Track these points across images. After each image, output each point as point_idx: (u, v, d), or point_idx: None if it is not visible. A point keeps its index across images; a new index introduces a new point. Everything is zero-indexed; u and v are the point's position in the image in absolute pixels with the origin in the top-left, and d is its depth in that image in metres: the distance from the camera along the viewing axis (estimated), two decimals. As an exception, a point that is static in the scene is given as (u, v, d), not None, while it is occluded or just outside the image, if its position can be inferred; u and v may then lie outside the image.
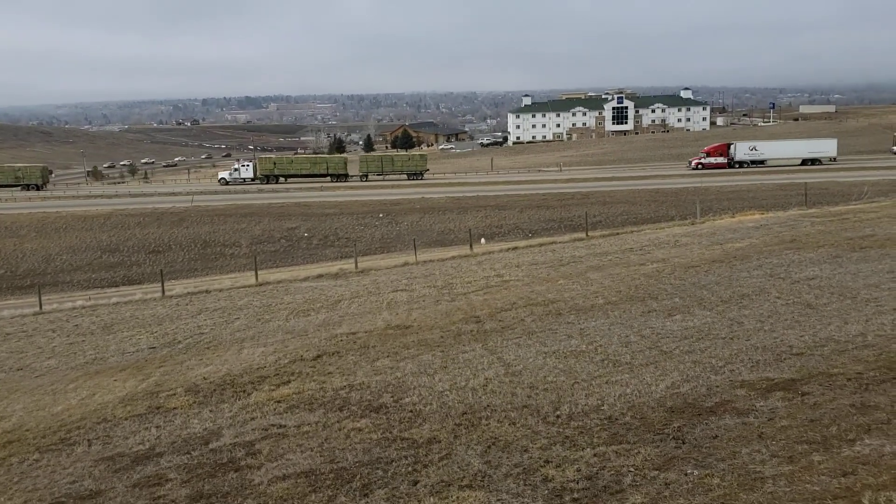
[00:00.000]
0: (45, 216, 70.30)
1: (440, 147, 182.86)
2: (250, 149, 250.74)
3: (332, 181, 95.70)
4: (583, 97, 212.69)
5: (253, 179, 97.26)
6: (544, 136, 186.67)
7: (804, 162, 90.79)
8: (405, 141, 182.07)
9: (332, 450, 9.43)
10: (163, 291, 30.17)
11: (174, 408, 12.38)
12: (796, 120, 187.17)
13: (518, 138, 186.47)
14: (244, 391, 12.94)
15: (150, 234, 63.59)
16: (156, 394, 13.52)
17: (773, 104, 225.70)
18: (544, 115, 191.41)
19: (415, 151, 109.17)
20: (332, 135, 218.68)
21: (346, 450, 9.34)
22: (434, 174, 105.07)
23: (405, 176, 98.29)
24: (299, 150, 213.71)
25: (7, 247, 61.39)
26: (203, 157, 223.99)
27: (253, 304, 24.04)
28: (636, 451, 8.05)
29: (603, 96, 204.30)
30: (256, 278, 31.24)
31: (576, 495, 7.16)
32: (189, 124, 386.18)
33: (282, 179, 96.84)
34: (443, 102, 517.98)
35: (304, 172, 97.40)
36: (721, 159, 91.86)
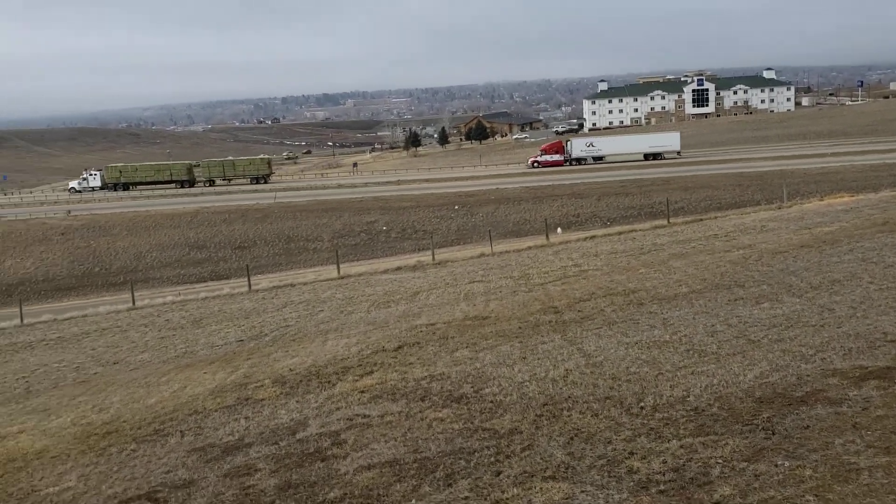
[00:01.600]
0: (136, 215, 73.24)
1: (514, 137, 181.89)
2: (329, 145, 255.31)
3: (177, 188, 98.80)
4: (661, 80, 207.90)
5: (101, 188, 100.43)
6: (621, 122, 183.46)
7: (646, 157, 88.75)
8: (479, 132, 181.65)
9: (415, 440, 9.54)
10: (249, 286, 31.08)
11: (262, 399, 12.74)
12: (886, 98, 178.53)
13: (594, 125, 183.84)
14: (329, 382, 13.22)
15: (236, 231, 65.52)
16: (244, 385, 13.95)
17: (862, 82, 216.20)
18: (621, 101, 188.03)
19: (257, 156, 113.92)
20: (407, 129, 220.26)
21: (429, 440, 9.43)
22: (509, 164, 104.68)
23: (248, 181, 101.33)
24: (376, 146, 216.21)
25: (101, 245, 64.26)
26: (284, 154, 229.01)
27: (335, 297, 24.52)
28: (724, 442, 7.87)
29: (682, 79, 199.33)
30: (338, 271, 31.84)
31: (662, 487, 7.06)
32: (270, 122, 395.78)
33: (131, 187, 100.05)
34: (517, 92, 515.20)
35: (148, 180, 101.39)
36: (557, 157, 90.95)
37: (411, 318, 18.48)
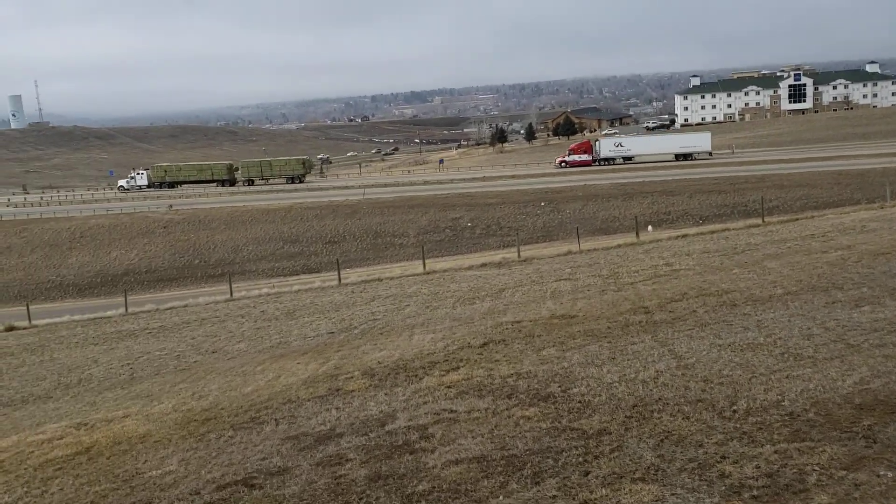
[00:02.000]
0: (234, 210, 75.82)
1: (603, 132, 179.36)
2: (416, 142, 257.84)
3: (217, 186, 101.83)
4: (756, 75, 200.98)
5: (148, 186, 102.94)
6: (714, 118, 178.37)
7: (677, 157, 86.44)
8: (567, 128, 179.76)
9: (502, 437, 9.61)
10: (339, 279, 31.81)
11: (352, 390, 13.05)
12: None
13: (686, 120, 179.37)
14: (416, 376, 13.42)
15: (327, 226, 67.05)
16: (335, 376, 14.32)
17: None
18: (714, 96, 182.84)
19: (293, 157, 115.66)
20: (494, 125, 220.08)
21: (516, 437, 9.49)
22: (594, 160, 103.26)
23: (284, 180, 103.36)
24: (462, 142, 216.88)
25: (201, 239, 66.86)
26: (373, 151, 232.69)
27: (421, 292, 24.82)
28: (821, 449, 7.64)
29: (778, 74, 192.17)
30: (424, 267, 32.22)
31: (755, 492, 6.92)
32: (360, 120, 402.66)
33: (176, 186, 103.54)
34: (606, 87, 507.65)
35: (191, 179, 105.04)
36: (586, 156, 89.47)
37: (497, 315, 18.55)
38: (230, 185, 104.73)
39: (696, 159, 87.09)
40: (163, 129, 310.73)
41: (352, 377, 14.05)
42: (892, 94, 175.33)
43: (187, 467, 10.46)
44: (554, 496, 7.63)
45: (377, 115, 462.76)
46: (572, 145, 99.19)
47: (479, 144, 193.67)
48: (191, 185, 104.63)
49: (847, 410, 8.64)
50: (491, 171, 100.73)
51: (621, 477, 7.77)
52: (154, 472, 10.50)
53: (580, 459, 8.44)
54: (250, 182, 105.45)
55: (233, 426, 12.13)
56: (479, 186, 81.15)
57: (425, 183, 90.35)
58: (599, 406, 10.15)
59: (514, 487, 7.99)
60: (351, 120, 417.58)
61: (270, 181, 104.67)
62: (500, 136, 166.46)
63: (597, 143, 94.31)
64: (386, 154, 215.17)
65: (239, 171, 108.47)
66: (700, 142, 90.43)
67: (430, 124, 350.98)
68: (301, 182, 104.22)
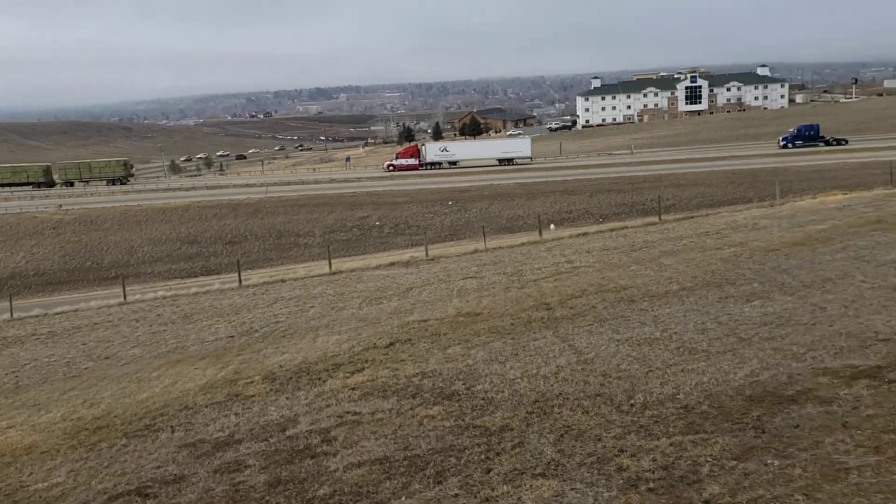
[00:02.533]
0: (127, 210, 72.92)
1: (508, 133, 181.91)
2: (321, 139, 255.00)
3: (33, 189, 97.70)
4: (654, 77, 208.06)
5: None
6: (614, 119, 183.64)
7: (500, 162, 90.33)
8: (473, 127, 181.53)
9: (405, 437, 9.53)
10: (240, 281, 30.98)
11: (252, 395, 12.71)
12: (881, 95, 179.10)
13: (587, 121, 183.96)
14: (319, 378, 13.19)
15: (227, 226, 65.32)
16: (234, 382, 13.91)
17: (856, 79, 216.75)
18: (614, 98, 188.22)
19: (114, 159, 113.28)
20: (400, 123, 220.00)
21: (420, 437, 9.43)
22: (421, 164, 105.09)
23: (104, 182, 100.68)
24: (369, 140, 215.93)
25: (93, 240, 64.01)
26: (276, 148, 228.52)
27: (326, 293, 24.46)
28: (714, 440, 7.88)
29: (675, 76, 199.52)
30: (330, 267, 31.78)
31: (651, 485, 7.06)
32: (262, 116, 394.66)
33: None
34: (510, 88, 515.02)
35: (5, 182, 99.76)
36: (413, 161, 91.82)
37: (403, 315, 18.46)
38: (48, 188, 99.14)
39: (517, 164, 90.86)
40: (52, 126, 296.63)
41: (252, 382, 13.68)
42: (781, 96, 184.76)
43: (76, 478, 9.94)
44: (456, 495, 7.59)
45: (280, 111, 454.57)
46: (400, 150, 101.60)
47: (386, 143, 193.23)
48: (4, 188, 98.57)
49: (738, 402, 8.94)
50: (534, 165, 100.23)
51: (522, 473, 7.81)
52: (40, 485, 9.95)
53: (482, 457, 8.44)
54: (69, 184, 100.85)
55: (126, 434, 11.61)
56: (387, 185, 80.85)
57: (332, 181, 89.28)
58: (502, 402, 10.20)
59: (417, 488, 7.92)
60: (252, 116, 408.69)
61: (91, 183, 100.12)
62: (407, 135, 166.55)
63: (423, 147, 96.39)
64: (300, 149, 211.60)
65: (57, 174, 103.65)
66: (521, 147, 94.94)
67: (336, 122, 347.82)
68: (123, 184, 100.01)
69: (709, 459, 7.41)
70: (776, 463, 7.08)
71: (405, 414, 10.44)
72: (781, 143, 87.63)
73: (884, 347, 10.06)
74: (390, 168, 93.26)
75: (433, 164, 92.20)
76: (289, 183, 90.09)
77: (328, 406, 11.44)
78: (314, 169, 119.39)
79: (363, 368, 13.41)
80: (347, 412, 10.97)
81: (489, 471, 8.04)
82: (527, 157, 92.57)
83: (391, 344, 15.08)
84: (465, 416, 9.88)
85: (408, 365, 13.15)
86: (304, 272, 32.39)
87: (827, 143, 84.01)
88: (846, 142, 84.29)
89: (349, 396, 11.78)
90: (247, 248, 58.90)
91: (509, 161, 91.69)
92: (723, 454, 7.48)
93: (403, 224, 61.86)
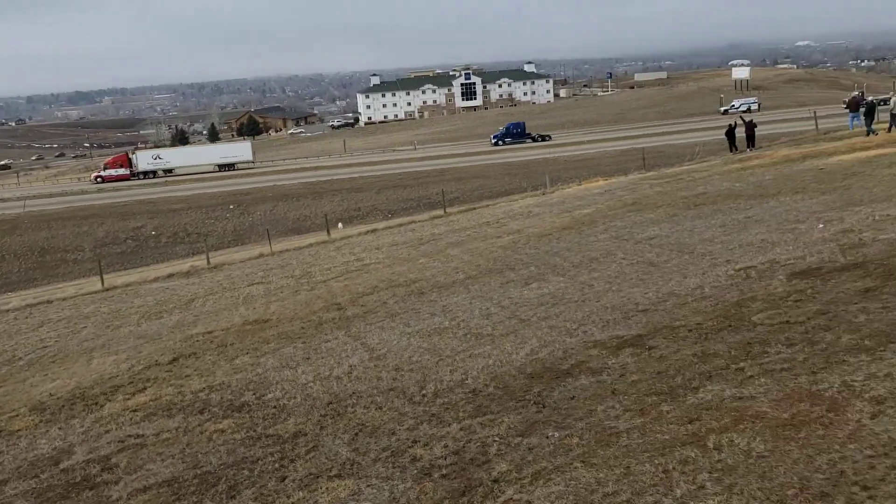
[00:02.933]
0: None
1: (289, 132, 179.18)
2: (86, 146, 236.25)
3: None
4: (431, 74, 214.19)
5: None
6: (396, 116, 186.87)
7: (221, 168, 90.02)
8: (252, 127, 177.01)
9: (194, 455, 9.09)
10: (-3, 306, 27.94)
11: (18, 430, 11.54)
12: (632, 88, 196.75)
13: (370, 118, 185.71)
14: (96, 403, 12.25)
15: (-21, 246, 58.68)
16: (-5, 417, 12.53)
17: (611, 74, 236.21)
18: (394, 94, 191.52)
19: None
20: (173, 126, 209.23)
21: (210, 453, 9.03)
22: (284, 159, 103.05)
23: None
24: (140, 145, 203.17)
25: None
26: (33, 158, 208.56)
27: (101, 311, 22.72)
28: (500, 420, 8.23)
29: (451, 73, 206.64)
30: (102, 283, 29.52)
31: (444, 471, 7.24)
32: (14, 124, 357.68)
33: None
34: (289, 86, 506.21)
35: None
36: (123, 171, 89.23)
37: (186, 328, 17.58)
38: None
39: (238, 169, 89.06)
40: None
41: (17, 415, 12.41)
42: (547, 91, 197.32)
43: None
44: (251, 509, 7.35)
45: (36, 117, 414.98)
46: (108, 159, 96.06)
47: (158, 147, 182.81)
48: None
49: (521, 380, 9.41)
50: (174, 175, 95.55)
51: (318, 477, 7.71)
52: None
53: (276, 465, 8.24)
54: None
55: None
56: (162, 192, 76.60)
57: (99, 190, 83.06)
58: (295, 408, 10.01)
59: (209, 507, 7.57)
60: (2, 123, 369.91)
61: None
62: (181, 138, 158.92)
63: (134, 156, 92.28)
64: (38, 160, 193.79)
65: None
66: (241, 151, 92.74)
67: (101, 127, 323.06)
68: None
69: (496, 439, 7.72)
70: (556, 434, 7.52)
71: (193, 431, 9.95)
72: (493, 142, 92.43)
73: (643, 317, 11.03)
74: (98, 180, 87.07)
75: (147, 174, 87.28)
76: (51, 195, 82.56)
77: (107, 432, 10.65)
78: (79, 178, 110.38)
79: (145, 388, 12.61)
80: (129, 436, 10.27)
81: (284, 479, 7.87)
82: (249, 162, 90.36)
83: (175, 359, 14.31)
84: (256, 427, 9.59)
85: (193, 380, 12.55)
86: (74, 290, 29.84)
87: (534, 140, 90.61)
88: (550, 138, 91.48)
89: (131, 419, 11.04)
90: (5, 270, 53.28)
91: (230, 167, 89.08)
92: (508, 432, 7.84)
93: (182, 232, 58.94)
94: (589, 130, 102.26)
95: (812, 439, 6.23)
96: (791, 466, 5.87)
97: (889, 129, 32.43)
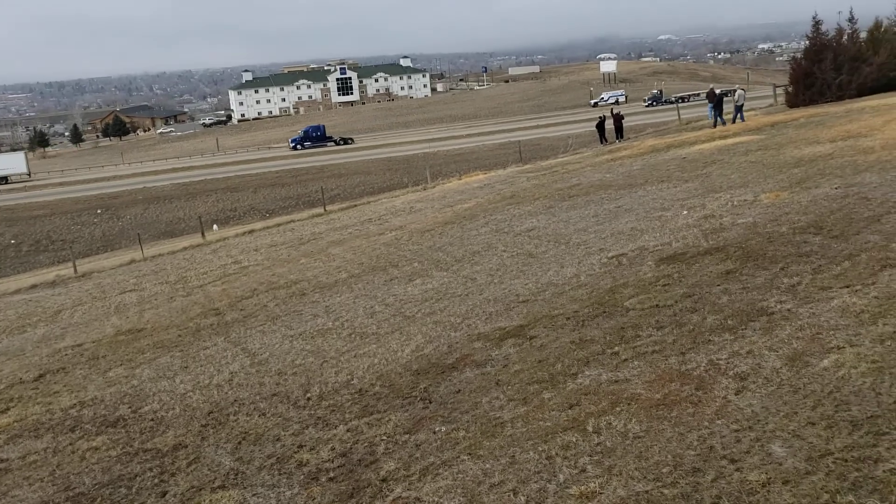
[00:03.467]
0: None
1: (159, 131, 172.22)
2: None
3: None
4: (306, 70, 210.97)
5: None
6: (270, 112, 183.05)
7: None
8: (118, 127, 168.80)
9: (66, 476, 8.60)
10: None
11: None
12: (507, 81, 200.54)
13: (243, 115, 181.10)
14: (-48, 429, 11.36)
15: None
16: None
17: (486, 68, 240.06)
18: (268, 91, 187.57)
19: None
20: (31, 128, 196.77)
21: (83, 473, 8.57)
22: (154, 160, 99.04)
23: None
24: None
25: None
26: None
27: (-45, 329, 21.13)
28: (387, 418, 8.22)
29: (326, 68, 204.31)
30: (-44, 298, 27.45)
31: (332, 474, 7.16)
32: None
33: None
34: (156, 84, 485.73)
35: None
36: None
37: (53, 342, 16.60)
38: None
39: (12, 182, 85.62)
40: None
41: None
42: (424, 85, 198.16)
43: None
44: (129, 529, 7.02)
45: None
46: None
47: (14, 150, 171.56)
48: None
49: (407, 378, 9.43)
50: (34, 180, 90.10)
51: (200, 489, 7.46)
52: None
53: (156, 481, 7.92)
54: None
55: None
56: (22, 197, 72.05)
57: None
58: (173, 420, 9.64)
59: (83, 531, 7.18)
60: None
61: None
62: (40, 140, 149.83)
63: None
64: None
65: None
66: (14, 164, 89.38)
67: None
68: None
69: (384, 438, 7.71)
70: (443, 429, 7.59)
71: (64, 451, 9.41)
72: (292, 145, 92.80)
73: (524, 308, 11.28)
74: None
75: None
76: None
77: (-34, 460, 9.90)
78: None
79: (8, 409, 11.82)
80: (-8, 462, 9.59)
81: (164, 494, 7.57)
82: (24, 174, 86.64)
83: (41, 376, 13.49)
84: (133, 442, 9.18)
85: (63, 396, 11.87)
86: (-76, 308, 27.62)
87: (336, 143, 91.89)
88: (353, 141, 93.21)
89: (-7, 443, 10.31)
90: None
91: (3, 180, 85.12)
92: (395, 430, 7.84)
93: (46, 239, 55.66)
94: (467, 124, 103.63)
95: (683, 417, 6.55)
96: (665, 445, 6.15)
97: (734, 121, 34.59)
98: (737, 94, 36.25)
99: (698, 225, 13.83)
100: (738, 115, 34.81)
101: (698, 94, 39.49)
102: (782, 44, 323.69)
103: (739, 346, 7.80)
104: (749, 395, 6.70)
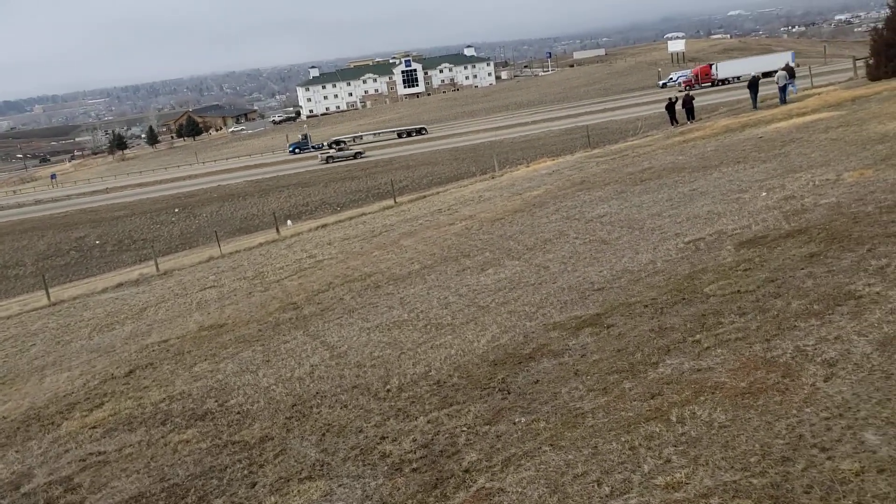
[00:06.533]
0: None
1: (230, 130, 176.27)
2: (18, 157, 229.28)
3: None
4: (371, 63, 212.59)
5: None
6: (338, 107, 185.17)
7: None
8: (191, 128, 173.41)
9: (160, 468, 8.96)
10: (-62, 329, 27.01)
11: (-28, 457, 11.20)
12: (572, 66, 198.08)
13: (311, 111, 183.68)
14: (53, 423, 11.97)
15: (-86, 267, 56.63)
16: (-53, 446, 12.15)
17: (550, 53, 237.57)
18: (335, 86, 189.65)
19: None
20: (110, 131, 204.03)
21: (176, 465, 8.91)
22: (227, 158, 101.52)
23: None
24: (76, 153, 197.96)
25: None
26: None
27: (49, 327, 22.16)
28: (466, 409, 8.28)
29: (391, 61, 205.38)
30: (48, 297, 28.78)
31: (415, 465, 7.27)
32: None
33: None
34: (226, 83, 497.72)
35: None
36: None
37: (140, 338, 17.26)
38: None
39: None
40: None
41: (-30, 441, 12.04)
42: (488, 74, 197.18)
43: None
44: (223, 519, 7.28)
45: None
46: None
47: (96, 154, 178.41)
48: None
49: (484, 368, 9.47)
50: (115, 182, 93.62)
51: (288, 480, 7.67)
52: None
53: (245, 472, 8.17)
54: None
55: None
56: (104, 199, 74.88)
57: (37, 203, 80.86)
58: (259, 413, 9.92)
59: (179, 521, 7.47)
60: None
61: None
62: (119, 143, 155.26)
63: None
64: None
65: None
66: None
67: (34, 136, 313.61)
68: None
69: (464, 429, 7.77)
70: (523, 420, 7.60)
71: (156, 444, 9.80)
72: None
73: (599, 296, 11.18)
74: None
75: None
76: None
77: (67, 451, 10.42)
78: (14, 191, 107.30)
79: (103, 403, 12.36)
80: (91, 454, 10.06)
81: (254, 485, 7.81)
82: None
83: (131, 371, 14.05)
84: (221, 435, 9.49)
85: (153, 391, 12.34)
86: (19, 307, 29.03)
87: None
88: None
89: (90, 436, 10.81)
90: (-56, 290, 51.54)
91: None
92: (476, 421, 7.89)
93: (128, 239, 57.75)
94: (532, 111, 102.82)
95: (770, 406, 6.40)
96: (752, 434, 6.03)
97: (782, 102, 33.54)
98: (777, 74, 35.14)
99: (779, 207, 13.44)
100: (781, 97, 33.85)
101: (774, 72, 38.40)
102: (861, 14, 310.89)
103: (827, 332, 7.57)
104: (839, 381, 6.51)
